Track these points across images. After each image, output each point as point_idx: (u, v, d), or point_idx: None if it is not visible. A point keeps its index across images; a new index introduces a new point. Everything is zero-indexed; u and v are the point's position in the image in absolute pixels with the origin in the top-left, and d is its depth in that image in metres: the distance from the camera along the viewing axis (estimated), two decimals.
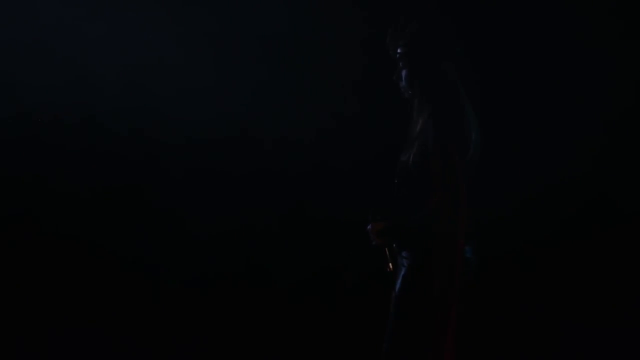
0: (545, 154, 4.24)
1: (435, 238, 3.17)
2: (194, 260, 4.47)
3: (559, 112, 4.25)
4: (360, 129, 4.32)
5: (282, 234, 4.46)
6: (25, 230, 4.43)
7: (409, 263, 3.24)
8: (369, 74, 4.18)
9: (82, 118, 4.38)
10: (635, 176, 4.21)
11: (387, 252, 3.30)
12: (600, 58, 4.19)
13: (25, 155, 4.40)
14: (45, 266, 4.43)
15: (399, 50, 3.31)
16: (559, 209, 4.25)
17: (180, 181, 4.45)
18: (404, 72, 3.31)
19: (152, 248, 4.45)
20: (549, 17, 4.21)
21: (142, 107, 4.39)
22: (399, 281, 3.26)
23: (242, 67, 4.39)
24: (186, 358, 4.45)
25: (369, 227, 3.29)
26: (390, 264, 3.31)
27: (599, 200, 4.22)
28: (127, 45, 4.35)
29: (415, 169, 3.24)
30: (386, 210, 3.30)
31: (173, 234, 4.46)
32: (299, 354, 4.38)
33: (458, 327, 3.16)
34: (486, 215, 3.64)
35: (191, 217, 4.44)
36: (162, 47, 4.36)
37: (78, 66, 4.35)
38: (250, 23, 4.37)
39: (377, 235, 3.28)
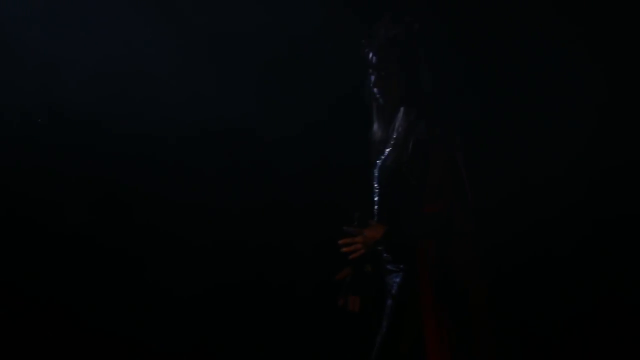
0: (538, 153, 4.22)
1: (449, 240, 3.17)
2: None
3: (552, 111, 4.23)
4: (358, 129, 4.31)
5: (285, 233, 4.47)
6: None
7: (406, 268, 3.20)
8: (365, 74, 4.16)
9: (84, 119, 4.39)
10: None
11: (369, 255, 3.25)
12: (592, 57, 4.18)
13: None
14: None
15: (376, 55, 3.25)
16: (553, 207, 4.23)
17: (173, 180, 4.42)
18: (383, 77, 3.25)
19: (145, 249, 4.43)
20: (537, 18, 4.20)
21: (132, 105, 4.35)
22: (396, 287, 3.20)
23: (235, 66, 4.37)
24: None
25: (364, 234, 3.17)
26: (369, 265, 3.28)
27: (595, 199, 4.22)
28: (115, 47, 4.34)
29: (406, 171, 3.21)
30: (375, 215, 3.27)
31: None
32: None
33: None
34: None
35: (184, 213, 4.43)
36: (151, 46, 4.33)
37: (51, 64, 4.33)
38: (241, 22, 4.35)
39: (374, 244, 3.19)
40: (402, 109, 3.28)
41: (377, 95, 3.30)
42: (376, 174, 3.31)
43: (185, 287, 4.42)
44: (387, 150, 3.32)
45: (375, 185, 3.31)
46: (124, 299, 4.43)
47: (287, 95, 4.35)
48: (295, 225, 4.46)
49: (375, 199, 3.32)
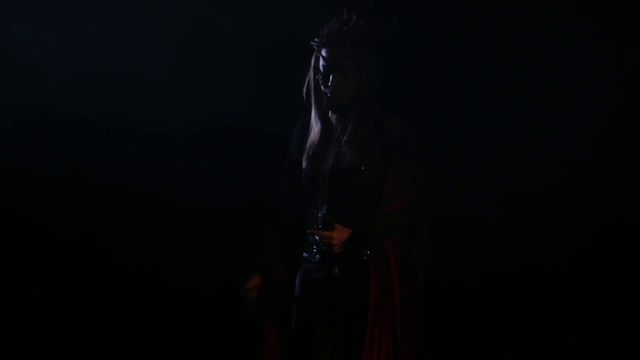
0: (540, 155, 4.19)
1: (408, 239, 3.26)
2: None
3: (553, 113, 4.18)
4: None
5: None
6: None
7: (355, 271, 3.24)
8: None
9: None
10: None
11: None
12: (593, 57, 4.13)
13: None
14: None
15: (335, 54, 3.25)
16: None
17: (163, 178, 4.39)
18: (341, 75, 3.25)
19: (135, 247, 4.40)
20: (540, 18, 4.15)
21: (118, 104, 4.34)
22: (346, 291, 3.22)
23: (231, 64, 4.32)
24: None
25: (333, 235, 3.19)
26: (337, 268, 3.25)
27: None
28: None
29: (369, 172, 3.24)
30: (319, 216, 3.26)
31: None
32: None
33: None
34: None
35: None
36: (146, 45, 4.30)
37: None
38: (235, 20, 4.29)
39: (342, 244, 3.20)
40: (354, 108, 3.29)
41: (330, 94, 3.26)
42: (325, 175, 3.28)
43: (181, 286, 4.40)
44: (337, 151, 3.29)
45: (324, 186, 3.28)
46: (119, 299, 4.42)
47: (283, 94, 4.31)
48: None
49: (320, 200, 3.28)
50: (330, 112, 3.37)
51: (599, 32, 4.07)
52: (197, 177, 4.36)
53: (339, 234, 3.18)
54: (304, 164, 3.37)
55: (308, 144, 3.37)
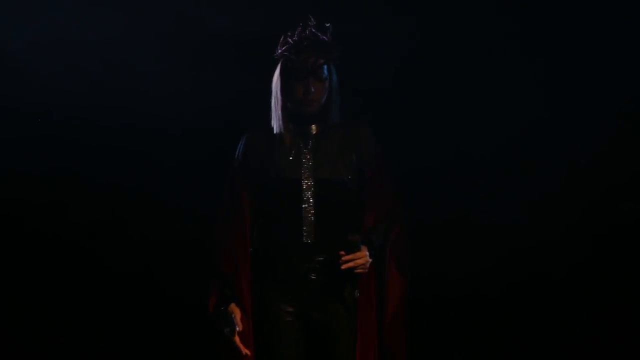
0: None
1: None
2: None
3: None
4: None
5: None
6: None
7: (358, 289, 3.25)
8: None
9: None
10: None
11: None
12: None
13: None
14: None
15: (315, 61, 3.21)
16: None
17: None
18: (320, 83, 3.23)
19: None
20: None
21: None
22: (349, 312, 3.24)
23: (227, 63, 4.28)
24: None
25: (364, 254, 3.18)
26: (357, 291, 3.26)
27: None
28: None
29: (353, 185, 3.26)
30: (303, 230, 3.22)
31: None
32: None
33: None
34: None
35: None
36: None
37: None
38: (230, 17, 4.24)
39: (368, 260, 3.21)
40: (326, 117, 3.26)
41: (306, 102, 3.22)
42: (310, 187, 3.22)
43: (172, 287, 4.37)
44: (315, 162, 3.25)
45: (309, 200, 3.22)
46: (118, 300, 4.40)
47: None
48: None
49: (310, 214, 3.22)
50: (295, 122, 3.30)
51: (600, 39, 4.06)
52: (190, 177, 4.31)
53: (365, 252, 3.18)
54: (273, 177, 3.27)
55: (277, 156, 3.29)
